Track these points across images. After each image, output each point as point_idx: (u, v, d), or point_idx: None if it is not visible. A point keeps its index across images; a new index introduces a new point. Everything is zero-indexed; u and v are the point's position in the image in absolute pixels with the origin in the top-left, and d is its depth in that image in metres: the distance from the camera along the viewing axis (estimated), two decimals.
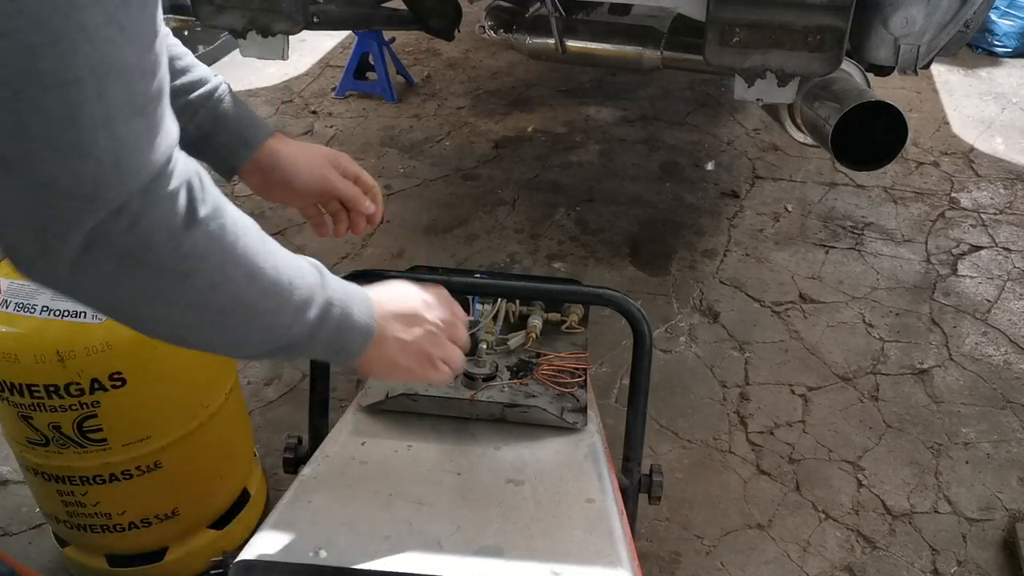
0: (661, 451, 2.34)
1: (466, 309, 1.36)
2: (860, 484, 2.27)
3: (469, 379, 1.24)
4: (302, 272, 0.79)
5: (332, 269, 0.85)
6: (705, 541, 2.11)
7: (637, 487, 1.30)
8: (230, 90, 1.06)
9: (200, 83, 1.02)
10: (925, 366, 2.65)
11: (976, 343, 2.75)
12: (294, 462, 1.30)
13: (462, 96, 4.34)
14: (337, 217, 1.16)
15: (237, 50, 2.54)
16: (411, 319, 0.93)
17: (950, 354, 2.70)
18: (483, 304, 1.36)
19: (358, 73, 4.27)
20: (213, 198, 0.69)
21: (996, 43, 4.73)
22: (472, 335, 1.30)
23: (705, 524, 2.14)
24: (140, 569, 1.90)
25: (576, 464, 1.11)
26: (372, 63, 4.25)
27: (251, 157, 1.06)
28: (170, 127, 0.66)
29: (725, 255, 3.16)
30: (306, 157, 1.09)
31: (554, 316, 1.39)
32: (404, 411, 1.19)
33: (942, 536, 2.13)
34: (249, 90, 4.30)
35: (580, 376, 1.26)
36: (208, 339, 0.76)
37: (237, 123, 1.05)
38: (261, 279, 0.74)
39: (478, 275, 1.28)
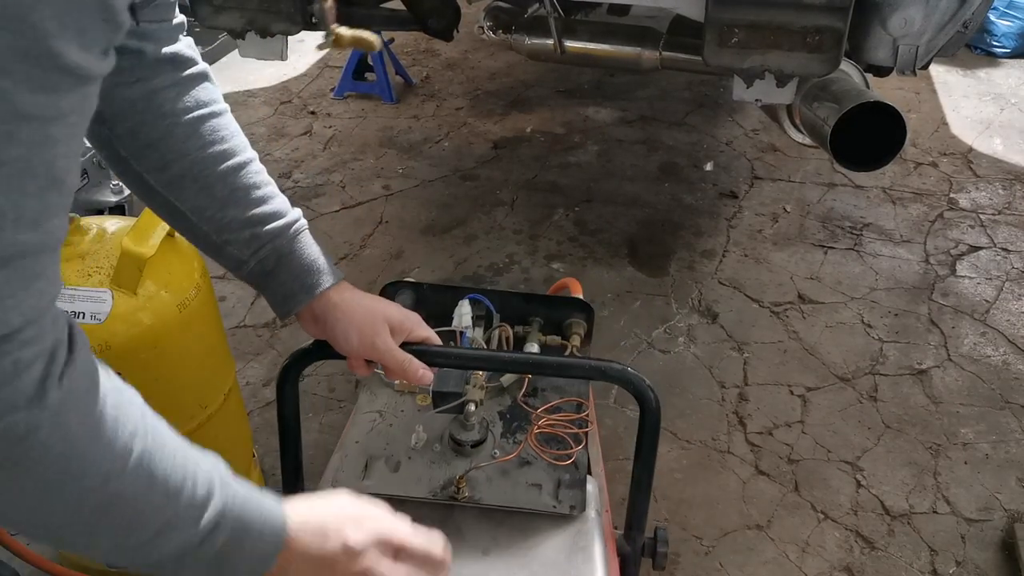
0: (660, 452, 2.33)
1: (456, 340, 1.24)
2: (859, 484, 2.27)
3: (457, 444, 1.17)
4: (196, 472, 0.69)
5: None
6: (704, 541, 2.11)
7: (640, 553, 1.25)
8: (306, 228, 1.01)
9: (274, 216, 0.98)
10: (924, 367, 2.66)
11: (975, 343, 2.75)
12: None
13: (461, 97, 4.34)
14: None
15: (236, 50, 2.54)
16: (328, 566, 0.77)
17: (949, 354, 2.70)
18: (473, 333, 1.26)
19: (357, 73, 4.27)
20: (77, 376, 0.61)
21: (995, 44, 4.74)
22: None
23: (704, 524, 2.14)
24: None
25: (572, 559, 1.08)
26: (371, 64, 4.24)
27: (306, 304, 1.00)
28: (42, 288, 0.58)
29: (724, 255, 3.16)
30: (360, 319, 1.01)
31: (554, 340, 1.29)
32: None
33: (941, 536, 2.13)
34: (248, 91, 4.29)
35: (582, 427, 1.20)
36: (85, 544, 0.68)
37: (300, 267, 0.99)
38: (129, 479, 0.65)
39: (469, 297, 1.23)
